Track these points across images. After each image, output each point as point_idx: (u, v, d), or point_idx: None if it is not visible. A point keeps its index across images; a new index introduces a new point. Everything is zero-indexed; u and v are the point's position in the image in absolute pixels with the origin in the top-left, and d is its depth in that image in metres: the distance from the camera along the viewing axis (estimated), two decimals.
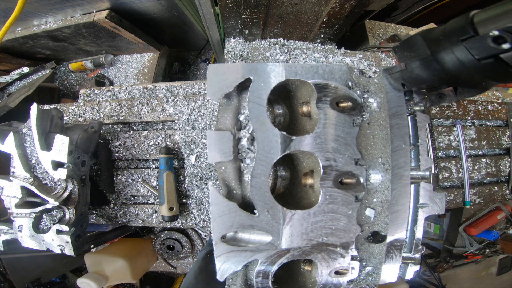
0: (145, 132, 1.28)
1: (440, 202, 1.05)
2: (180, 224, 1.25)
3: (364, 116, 0.94)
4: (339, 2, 1.08)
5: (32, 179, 1.08)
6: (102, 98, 1.41)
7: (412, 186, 1.02)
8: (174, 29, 2.06)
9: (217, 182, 1.06)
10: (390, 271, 1.02)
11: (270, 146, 0.85)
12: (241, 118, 0.91)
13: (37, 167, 1.13)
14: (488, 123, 1.52)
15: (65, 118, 1.35)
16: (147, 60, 2.21)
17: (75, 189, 1.04)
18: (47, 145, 1.03)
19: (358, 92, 0.94)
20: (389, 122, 0.95)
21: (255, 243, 0.88)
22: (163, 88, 1.35)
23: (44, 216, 0.99)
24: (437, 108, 1.41)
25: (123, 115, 1.30)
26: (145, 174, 1.27)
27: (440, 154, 1.42)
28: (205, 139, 1.20)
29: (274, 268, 0.88)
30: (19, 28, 1.87)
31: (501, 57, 0.55)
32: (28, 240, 1.11)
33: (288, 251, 0.88)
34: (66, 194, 1.03)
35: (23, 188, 1.07)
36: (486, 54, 0.57)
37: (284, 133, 0.86)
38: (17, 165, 1.10)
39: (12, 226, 1.16)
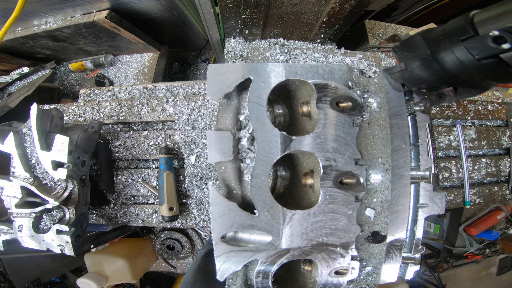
0: (145, 132, 1.28)
1: (440, 202, 1.05)
2: (180, 224, 1.25)
3: (364, 116, 0.94)
4: (339, 2, 1.08)
5: (32, 179, 1.08)
6: (102, 98, 1.41)
7: (412, 186, 1.02)
8: (174, 29, 2.06)
9: (217, 182, 1.06)
10: (390, 271, 1.02)
11: (270, 146, 0.85)
12: (241, 118, 0.91)
13: (37, 167, 1.13)
14: (488, 123, 1.52)
15: (65, 118, 1.35)
16: (147, 60, 2.21)
17: (75, 189, 1.04)
18: (47, 145, 1.03)
19: (358, 92, 0.94)
20: (389, 122, 0.95)
21: (255, 243, 0.87)
22: (163, 88, 1.35)
23: (44, 216, 0.99)
24: (437, 108, 1.41)
25: (123, 115, 1.30)
26: (145, 174, 1.27)
27: (440, 154, 1.42)
28: (205, 139, 1.20)
29: (274, 268, 0.88)
30: (19, 28, 1.87)
31: (501, 57, 0.55)
32: (28, 240, 1.11)
33: (288, 251, 0.88)
34: (66, 194, 1.03)
35: (23, 188, 1.07)
36: (486, 54, 0.57)
37: (284, 133, 0.86)
38: (17, 165, 1.10)
39: (12, 226, 1.16)
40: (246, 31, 1.35)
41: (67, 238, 1.06)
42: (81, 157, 1.08)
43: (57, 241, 1.07)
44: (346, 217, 0.89)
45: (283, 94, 1.00)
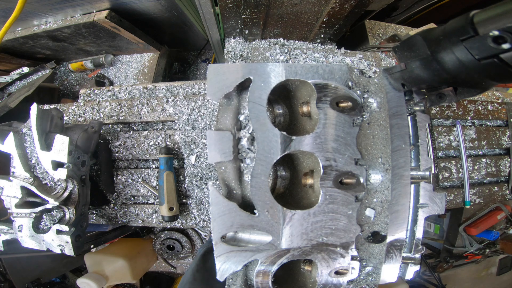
0: (145, 132, 1.28)
1: (440, 202, 1.05)
2: (180, 224, 1.25)
3: (364, 116, 0.94)
4: (339, 2, 1.08)
5: (32, 179, 1.08)
6: (102, 98, 1.41)
7: (412, 186, 1.02)
8: (174, 29, 2.06)
9: (217, 182, 1.06)
10: (390, 271, 1.02)
11: (270, 146, 0.85)
12: (241, 118, 0.91)
13: (37, 167, 1.13)
14: (488, 123, 1.52)
15: (65, 118, 1.35)
16: (147, 60, 2.21)
17: (75, 189, 1.04)
18: (47, 145, 1.03)
19: (358, 92, 0.94)
20: (389, 122, 0.95)
21: (255, 243, 0.88)
22: (163, 88, 1.35)
23: (44, 216, 0.99)
24: (437, 108, 1.41)
25: (123, 115, 1.30)
26: (145, 174, 1.27)
27: (440, 154, 1.42)
28: (205, 139, 1.20)
29: (274, 268, 0.88)
30: (19, 28, 1.87)
31: (501, 57, 0.55)
32: (28, 240, 1.11)
33: (288, 251, 0.88)
34: (66, 194, 1.03)
35: (23, 188, 1.07)
36: (486, 54, 0.57)
37: (284, 133, 0.86)
38: (17, 165, 1.10)
39: (12, 226, 1.16)
40: (246, 31, 1.35)
41: (67, 238, 1.06)
42: (81, 157, 1.08)
43: (57, 241, 1.07)
44: (346, 217, 0.89)
45: (283, 94, 1.00)
